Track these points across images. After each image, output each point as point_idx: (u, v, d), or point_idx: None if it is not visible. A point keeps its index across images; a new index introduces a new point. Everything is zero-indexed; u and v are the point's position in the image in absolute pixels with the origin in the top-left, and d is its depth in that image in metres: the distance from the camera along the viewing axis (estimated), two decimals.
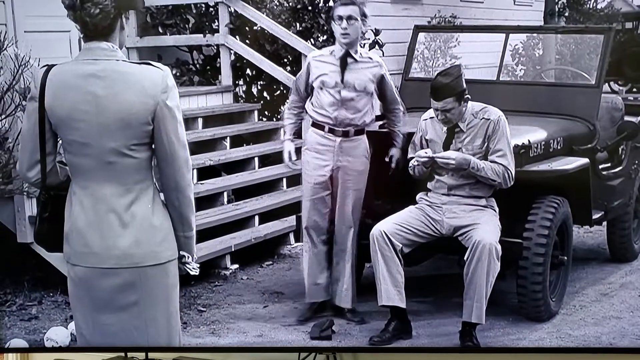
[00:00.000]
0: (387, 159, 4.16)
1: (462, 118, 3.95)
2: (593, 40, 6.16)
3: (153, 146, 2.18)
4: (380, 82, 4.08)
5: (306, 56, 6.75)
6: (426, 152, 3.92)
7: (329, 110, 4.06)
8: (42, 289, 4.71)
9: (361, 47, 7.44)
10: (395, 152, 4.20)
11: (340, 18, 3.95)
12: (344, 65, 4.04)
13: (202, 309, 4.48)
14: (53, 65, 2.20)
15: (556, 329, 4.15)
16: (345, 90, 4.03)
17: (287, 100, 4.26)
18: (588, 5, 16.60)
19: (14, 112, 4.34)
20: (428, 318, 4.28)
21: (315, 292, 4.26)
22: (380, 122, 4.40)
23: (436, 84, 3.91)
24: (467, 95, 3.93)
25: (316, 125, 4.14)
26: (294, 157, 4.18)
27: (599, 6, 17.14)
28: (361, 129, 4.12)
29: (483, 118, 3.95)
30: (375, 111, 4.25)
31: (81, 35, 2.22)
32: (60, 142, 2.23)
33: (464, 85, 3.90)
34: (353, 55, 4.04)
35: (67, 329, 3.91)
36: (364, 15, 4.00)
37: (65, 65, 2.20)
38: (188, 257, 2.31)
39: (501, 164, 3.89)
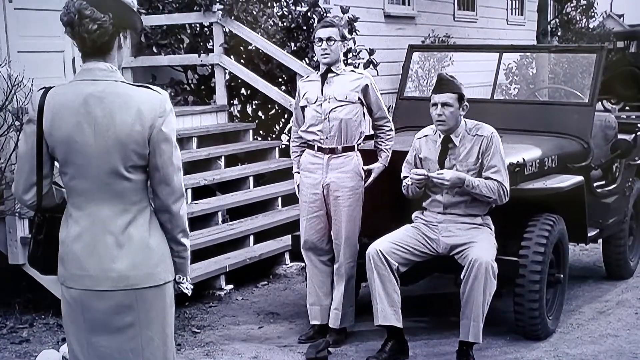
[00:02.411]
0: (364, 168, 4.13)
1: (456, 131, 3.96)
2: (585, 59, 6.20)
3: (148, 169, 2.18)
4: (365, 92, 4.11)
5: (301, 75, 6.83)
6: (421, 172, 3.91)
7: (315, 124, 4.10)
8: (34, 311, 4.66)
9: (355, 67, 7.52)
10: (375, 165, 4.17)
11: (320, 40, 4.06)
12: (324, 79, 4.13)
13: (197, 330, 4.43)
14: (51, 88, 2.19)
15: (554, 347, 4.12)
16: (326, 103, 4.09)
17: (291, 134, 4.33)
18: (580, 25, 16.78)
19: (6, 133, 4.33)
20: (425, 337, 4.26)
21: (317, 313, 4.23)
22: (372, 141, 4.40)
23: (442, 76, 3.99)
24: (466, 104, 3.95)
25: (308, 145, 4.19)
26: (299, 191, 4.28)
27: (591, 26, 17.31)
28: (350, 145, 4.13)
29: (476, 135, 3.96)
30: (366, 130, 4.25)
31: (79, 54, 2.21)
32: (57, 164, 2.22)
33: (465, 94, 3.93)
34: (334, 70, 4.12)
35: (59, 351, 3.85)
36: (343, 37, 4.10)
37: (63, 87, 2.19)
38: (182, 277, 2.30)
39: (496, 180, 3.89)
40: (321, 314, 4.22)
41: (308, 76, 4.38)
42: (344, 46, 4.13)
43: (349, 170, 4.10)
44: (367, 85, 4.11)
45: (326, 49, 4.03)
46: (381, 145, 4.21)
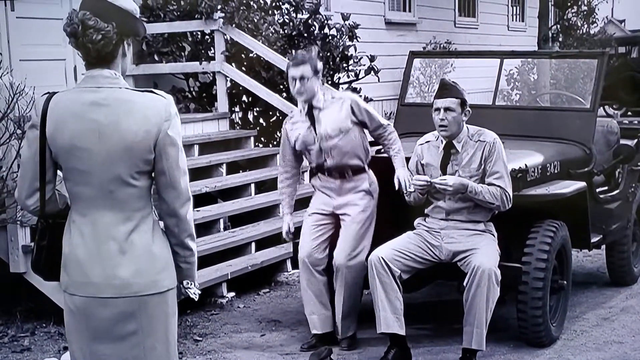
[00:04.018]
0: (395, 182, 4.09)
1: (458, 137, 3.95)
2: (587, 65, 6.20)
3: (153, 174, 2.17)
4: (353, 112, 4.08)
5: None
6: (424, 178, 3.90)
7: (320, 162, 4.14)
8: (35, 319, 4.65)
9: (356, 75, 7.52)
10: (398, 175, 4.10)
11: (294, 79, 4.00)
12: (312, 118, 4.09)
13: (198, 338, 4.42)
14: (54, 93, 2.18)
15: (558, 354, 4.10)
16: (324, 141, 4.07)
17: (278, 176, 4.29)
18: (581, 31, 16.80)
19: (8, 141, 4.32)
20: (428, 345, 4.23)
21: (317, 323, 4.21)
22: (378, 147, 4.41)
23: (445, 81, 4.00)
24: (469, 109, 3.95)
25: (318, 169, 4.22)
26: (292, 231, 4.24)
27: (592, 31, 17.34)
28: (360, 167, 4.14)
29: (478, 140, 3.95)
30: (371, 150, 4.26)
31: (81, 62, 2.20)
32: (60, 170, 2.21)
33: (467, 100, 3.93)
34: (317, 105, 4.07)
35: None
36: (316, 71, 4.01)
37: (67, 93, 2.18)
38: (190, 283, 2.30)
39: (498, 186, 3.88)
40: (321, 323, 4.19)
41: (292, 117, 4.23)
42: (317, 79, 4.03)
43: (361, 190, 4.13)
44: (351, 106, 4.07)
45: (300, 88, 3.98)
46: (390, 151, 4.16)
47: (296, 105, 6.74)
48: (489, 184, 3.89)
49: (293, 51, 7.22)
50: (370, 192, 4.15)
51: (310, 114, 4.08)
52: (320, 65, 4.05)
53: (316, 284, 4.16)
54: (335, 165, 4.10)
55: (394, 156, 4.14)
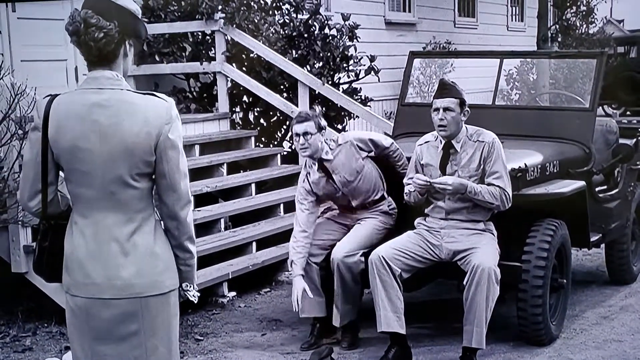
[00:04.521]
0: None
1: (457, 137, 3.97)
2: (586, 65, 6.22)
3: (154, 176, 2.18)
4: (360, 148, 4.16)
5: (303, 82, 6.85)
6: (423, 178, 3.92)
7: (345, 204, 4.26)
8: (37, 319, 4.66)
9: (356, 75, 7.54)
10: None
11: (297, 135, 4.06)
12: (326, 171, 4.15)
13: (200, 337, 4.43)
14: (56, 95, 2.19)
15: (557, 353, 4.11)
16: (346, 187, 4.17)
17: (294, 233, 4.19)
18: (580, 30, 16.80)
19: (9, 141, 4.33)
20: (428, 344, 4.25)
21: (309, 307, 4.23)
22: None
23: (444, 81, 4.02)
24: (467, 109, 3.96)
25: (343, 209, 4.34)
26: (300, 300, 4.04)
27: (591, 31, 17.33)
28: (378, 198, 4.25)
29: (477, 140, 3.97)
30: (381, 187, 4.31)
31: (83, 63, 2.21)
32: (62, 171, 2.22)
33: (466, 100, 3.95)
34: (326, 157, 4.12)
35: None
36: (320, 128, 4.07)
37: (69, 94, 2.18)
38: (189, 285, 2.30)
39: (498, 186, 3.89)
40: (309, 307, 4.20)
41: (308, 171, 4.20)
42: (322, 135, 4.09)
43: (379, 210, 4.27)
44: (357, 145, 4.15)
45: (304, 144, 4.04)
46: (398, 169, 4.27)
47: (295, 104, 6.81)
48: (489, 184, 3.91)
49: (293, 51, 7.25)
50: (388, 213, 4.29)
51: (324, 168, 4.15)
52: (324, 122, 4.13)
53: (309, 272, 4.18)
54: (360, 203, 4.24)
55: (403, 172, 4.23)
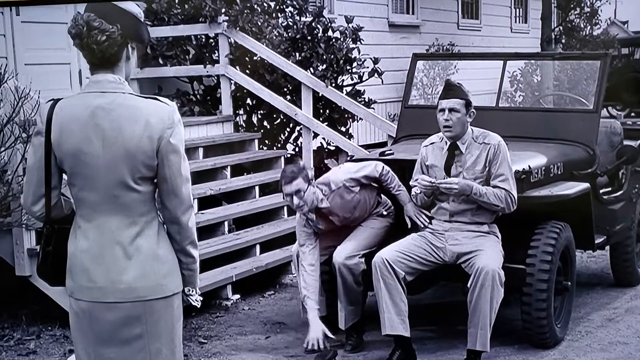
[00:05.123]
0: (407, 220, 4.15)
1: (462, 138, 3.96)
2: (590, 66, 6.20)
3: (156, 180, 2.18)
4: (352, 187, 4.10)
5: (306, 85, 6.84)
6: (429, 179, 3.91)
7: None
8: (41, 322, 4.66)
9: (359, 78, 7.53)
10: (407, 209, 4.13)
11: (289, 195, 3.97)
12: (324, 216, 4.11)
13: (203, 340, 4.43)
14: (59, 99, 2.19)
15: (562, 355, 4.10)
16: (346, 221, 4.16)
17: (302, 268, 4.10)
18: (584, 32, 16.76)
19: (13, 145, 4.34)
20: (432, 347, 4.24)
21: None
22: (382, 150, 4.40)
23: (450, 82, 4.00)
24: (473, 110, 3.95)
25: None
26: (322, 346, 3.96)
27: (595, 33, 17.30)
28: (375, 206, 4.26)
29: (483, 142, 3.96)
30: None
31: (85, 67, 2.21)
32: (65, 175, 2.22)
33: (471, 101, 3.94)
34: (323, 206, 4.07)
35: None
36: (309, 181, 3.99)
37: (71, 98, 2.19)
38: (191, 290, 2.30)
39: (503, 189, 3.89)
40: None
41: (306, 219, 4.12)
42: (312, 186, 4.00)
43: (377, 217, 4.27)
44: (349, 187, 4.09)
45: (299, 203, 3.96)
46: (392, 190, 4.18)
47: (299, 107, 6.81)
48: (494, 186, 3.90)
49: (296, 54, 7.25)
50: (385, 215, 4.28)
51: (321, 214, 4.11)
52: (310, 172, 4.05)
53: (302, 272, 4.17)
54: (359, 224, 4.25)
55: (397, 194, 4.16)
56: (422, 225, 4.06)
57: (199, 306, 2.32)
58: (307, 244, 4.13)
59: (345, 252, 4.10)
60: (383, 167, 4.14)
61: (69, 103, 2.16)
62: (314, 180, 4.05)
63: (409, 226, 4.12)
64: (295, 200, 3.96)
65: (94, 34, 2.10)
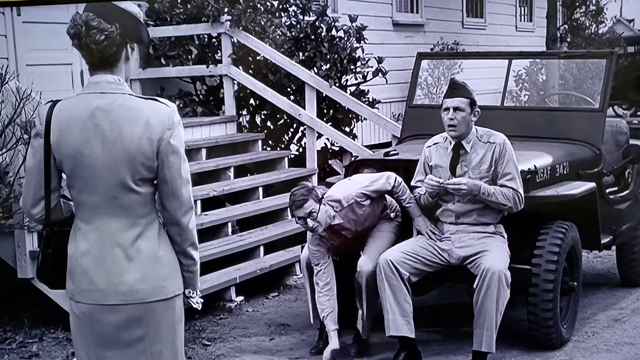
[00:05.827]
0: (414, 232, 4.10)
1: (467, 138, 3.92)
2: (595, 65, 6.16)
3: (156, 182, 2.17)
4: (362, 201, 4.02)
5: (310, 85, 6.81)
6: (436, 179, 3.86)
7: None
8: (43, 325, 4.65)
9: (363, 77, 7.50)
10: (418, 223, 4.05)
11: (303, 219, 3.91)
12: (336, 232, 4.06)
13: (207, 342, 4.41)
14: (58, 101, 2.17)
15: (569, 356, 4.07)
16: (356, 233, 4.09)
17: (317, 288, 4.06)
18: (590, 30, 16.71)
19: (15, 146, 4.33)
20: (438, 348, 4.21)
21: (313, 312, 4.20)
22: (387, 150, 4.36)
23: (455, 81, 3.97)
24: (478, 109, 3.92)
25: None
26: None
27: (600, 31, 17.25)
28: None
29: (488, 142, 3.93)
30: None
31: (87, 67, 2.19)
32: (65, 177, 2.20)
33: (476, 100, 3.91)
34: (335, 223, 3.99)
35: None
36: (319, 201, 3.92)
37: (70, 100, 2.17)
38: (192, 292, 2.28)
39: (511, 188, 3.85)
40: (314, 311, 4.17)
41: (317, 237, 4.07)
42: (323, 204, 3.93)
43: (387, 220, 4.21)
44: (358, 201, 4.00)
45: (313, 224, 3.90)
46: (403, 203, 4.09)
47: (303, 107, 6.79)
48: (501, 185, 3.87)
49: (300, 53, 7.22)
50: (394, 218, 4.22)
51: (334, 230, 4.05)
52: (320, 192, 4.01)
53: (317, 292, 4.14)
54: (371, 230, 4.19)
55: (408, 206, 4.07)
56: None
57: (199, 308, 2.30)
58: (321, 262, 4.08)
59: (372, 262, 3.99)
60: (395, 178, 4.03)
61: (68, 104, 2.14)
62: (324, 199, 3.98)
63: (416, 235, 4.06)
64: (310, 222, 3.90)
65: (93, 33, 2.08)
